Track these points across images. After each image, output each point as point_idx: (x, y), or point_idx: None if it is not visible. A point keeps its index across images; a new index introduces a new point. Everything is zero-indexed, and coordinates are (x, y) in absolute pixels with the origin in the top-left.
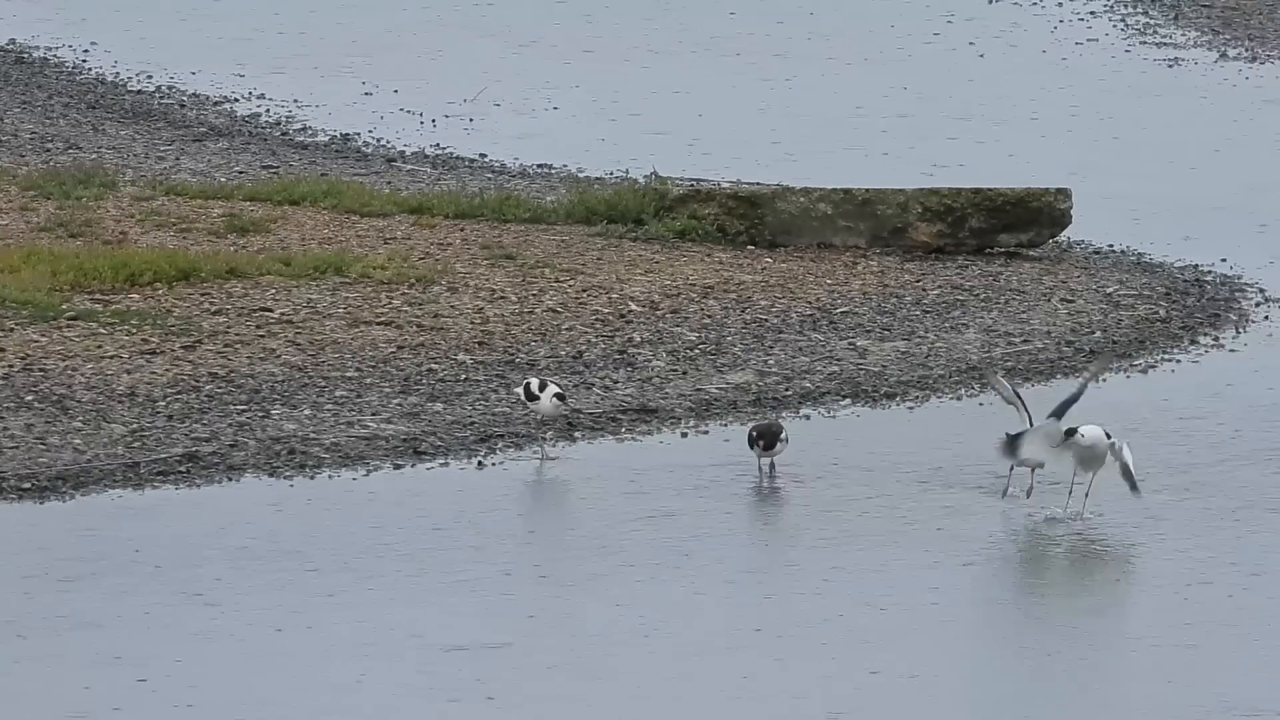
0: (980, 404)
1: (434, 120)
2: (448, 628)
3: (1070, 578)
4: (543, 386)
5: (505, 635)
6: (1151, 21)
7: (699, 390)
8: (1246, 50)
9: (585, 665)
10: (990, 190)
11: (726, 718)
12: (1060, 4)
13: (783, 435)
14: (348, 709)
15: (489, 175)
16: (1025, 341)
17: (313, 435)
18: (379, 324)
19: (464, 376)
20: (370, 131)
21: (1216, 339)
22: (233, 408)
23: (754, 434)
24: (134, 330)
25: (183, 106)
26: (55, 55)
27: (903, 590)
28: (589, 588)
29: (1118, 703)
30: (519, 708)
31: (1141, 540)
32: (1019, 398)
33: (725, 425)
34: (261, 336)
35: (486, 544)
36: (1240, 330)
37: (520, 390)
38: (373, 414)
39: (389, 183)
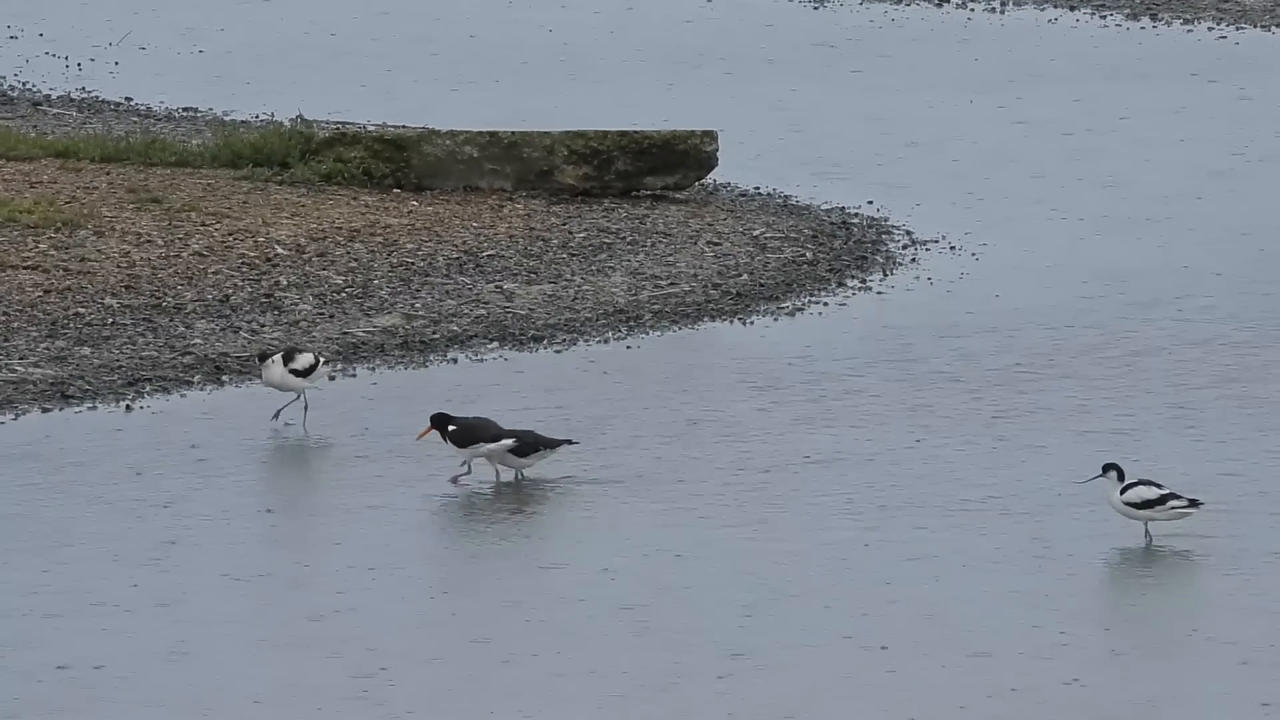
0: (628, 348)
1: (79, 64)
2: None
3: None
4: (289, 357)
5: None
6: None
7: (346, 334)
8: None
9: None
10: (636, 133)
11: None
12: None
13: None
14: None
15: (135, 119)
16: (672, 284)
17: None
18: (25, 268)
19: (111, 320)
20: (15, 75)
21: (864, 281)
22: None
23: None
24: None
25: None
26: None
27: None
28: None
29: None
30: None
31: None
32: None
33: (372, 369)
34: None
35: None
36: (887, 273)
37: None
38: (20, 358)
39: (34, 126)
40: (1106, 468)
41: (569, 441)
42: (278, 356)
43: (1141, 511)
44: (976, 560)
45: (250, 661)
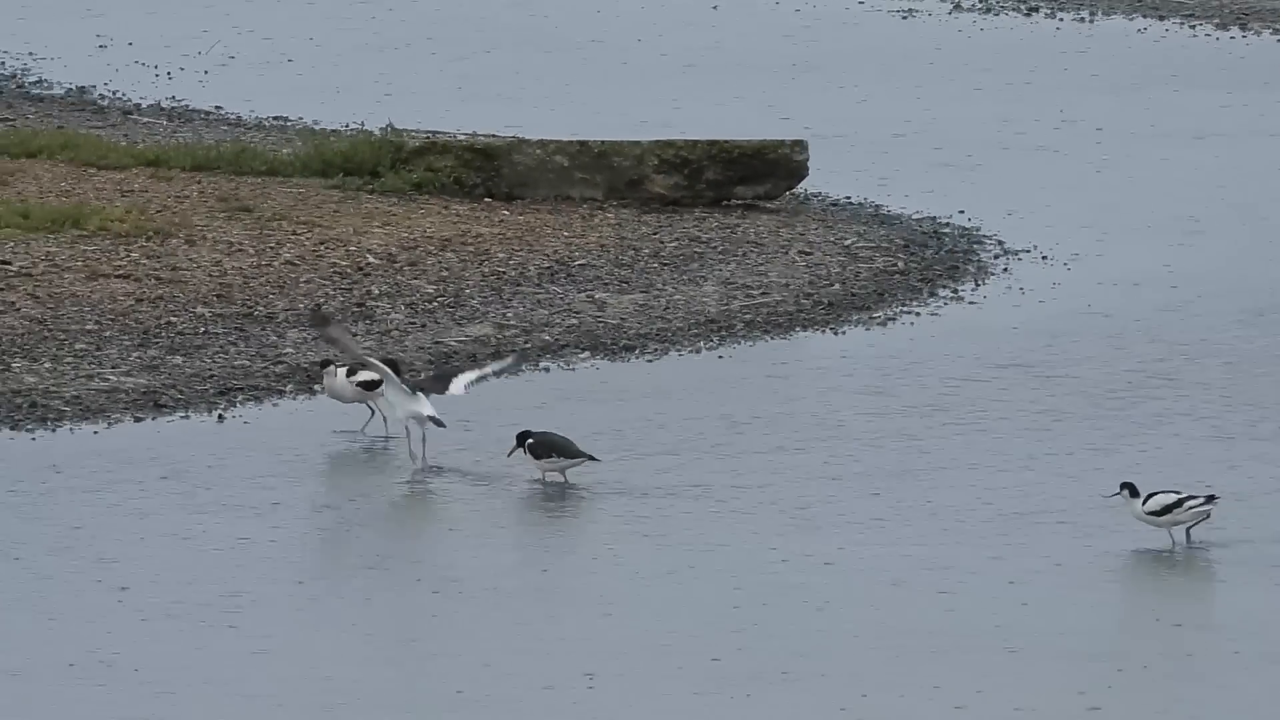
0: (720, 357)
1: (169, 73)
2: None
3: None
4: (354, 369)
5: (241, 588)
6: None
7: (438, 343)
8: (980, 1)
9: (323, 617)
10: (726, 142)
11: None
12: None
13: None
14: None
15: (225, 128)
16: (764, 294)
17: (53, 388)
18: (118, 277)
19: (203, 329)
20: (106, 84)
21: (956, 291)
22: None
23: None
24: None
25: None
26: None
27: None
28: (330, 541)
29: None
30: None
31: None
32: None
33: None
34: (0, 290)
35: (225, 496)
36: (979, 282)
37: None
38: (113, 367)
39: (126, 135)
40: (1123, 486)
41: (590, 458)
42: (340, 367)
43: (1164, 518)
44: (1099, 570)
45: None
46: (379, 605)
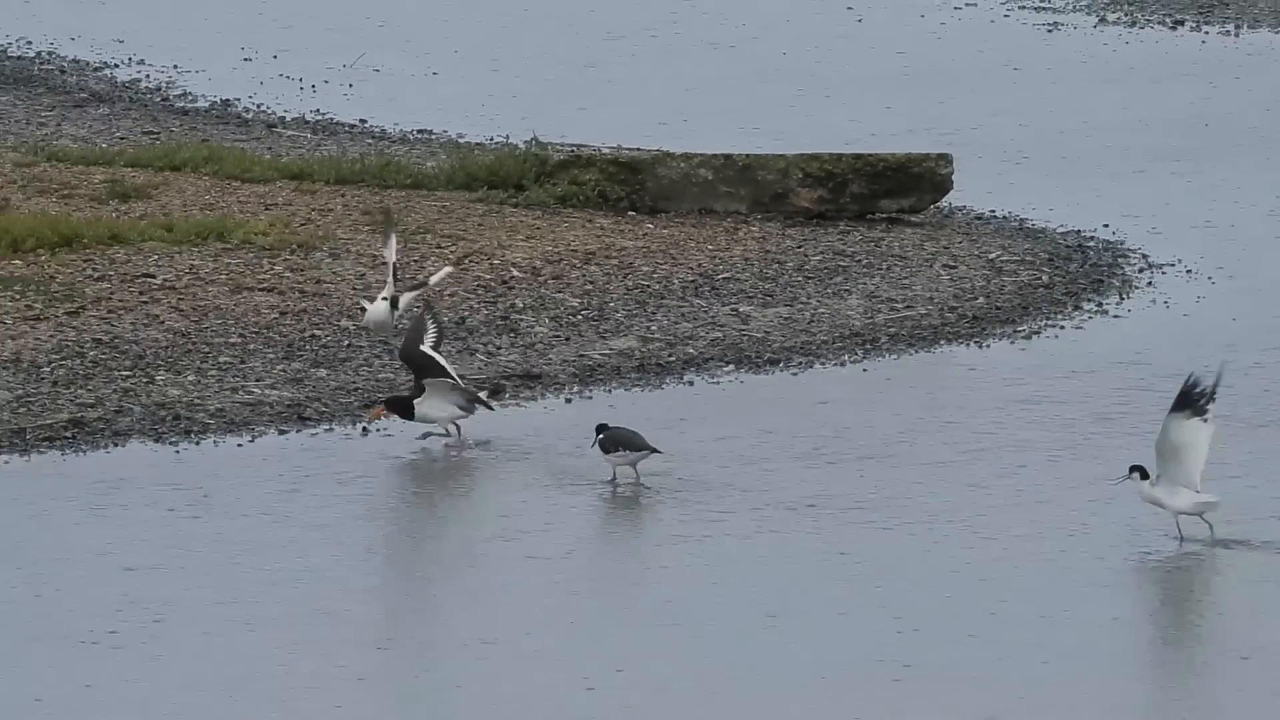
0: (864, 370)
1: (313, 85)
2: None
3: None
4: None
5: (386, 601)
6: None
7: (582, 356)
8: (1126, 15)
9: (471, 631)
10: (871, 156)
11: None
12: None
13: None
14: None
15: (369, 141)
16: (908, 307)
17: (197, 401)
18: (261, 290)
19: (347, 342)
20: (250, 97)
21: (1100, 305)
22: (117, 374)
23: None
24: (17, 296)
25: (63, 72)
26: None
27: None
28: (471, 556)
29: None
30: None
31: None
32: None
33: (609, 391)
34: (145, 303)
35: (373, 510)
36: (1124, 296)
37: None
38: (257, 380)
39: (269, 148)
40: (1133, 469)
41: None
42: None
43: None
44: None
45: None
46: (537, 606)
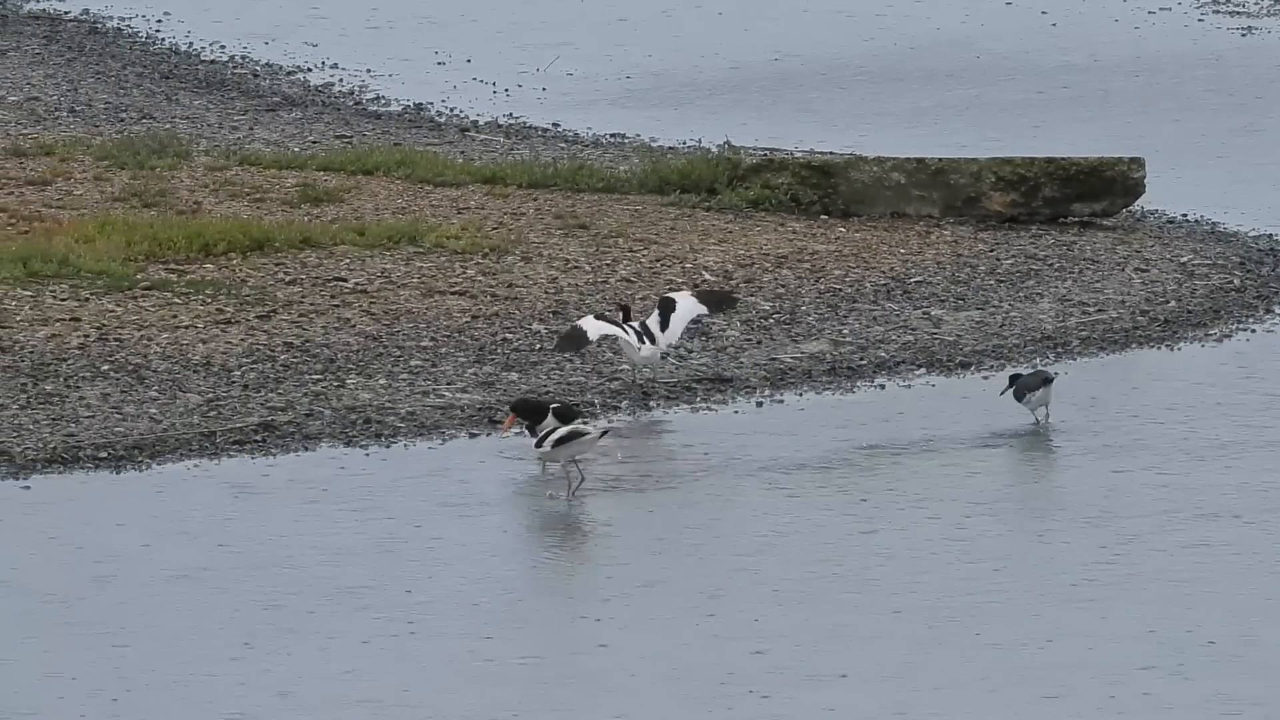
0: (1064, 372)
1: (507, 89)
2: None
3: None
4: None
5: (583, 609)
6: None
7: (774, 360)
8: None
9: (669, 633)
10: (1063, 159)
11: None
12: None
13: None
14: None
15: (562, 145)
16: (1100, 311)
17: (388, 405)
18: (453, 294)
19: (538, 346)
20: (443, 101)
21: None
22: (308, 377)
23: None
24: (209, 300)
25: (256, 76)
26: (129, 25)
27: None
28: (661, 559)
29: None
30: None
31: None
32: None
33: (800, 395)
34: (336, 306)
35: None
36: None
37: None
38: (448, 383)
39: (462, 152)
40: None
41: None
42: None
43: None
44: None
45: None
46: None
